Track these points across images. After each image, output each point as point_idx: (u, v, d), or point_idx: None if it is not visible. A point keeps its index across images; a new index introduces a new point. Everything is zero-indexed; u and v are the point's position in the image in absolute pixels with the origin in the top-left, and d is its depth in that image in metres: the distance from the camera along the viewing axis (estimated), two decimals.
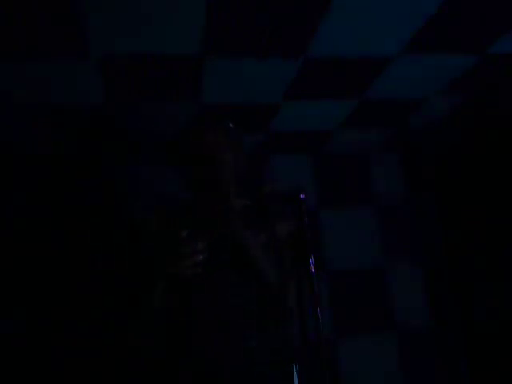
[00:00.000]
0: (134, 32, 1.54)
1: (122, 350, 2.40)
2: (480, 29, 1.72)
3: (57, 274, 2.44)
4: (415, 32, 1.69)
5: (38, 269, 2.42)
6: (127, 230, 2.45)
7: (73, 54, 1.62)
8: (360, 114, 2.41)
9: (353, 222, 2.92)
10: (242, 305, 1.34)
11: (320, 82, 2.01)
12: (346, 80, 2.02)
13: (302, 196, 1.03)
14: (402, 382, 2.73)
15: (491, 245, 2.51)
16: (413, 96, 2.25)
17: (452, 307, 2.82)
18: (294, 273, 1.18)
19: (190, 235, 1.15)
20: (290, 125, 2.46)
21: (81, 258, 2.48)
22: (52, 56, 1.63)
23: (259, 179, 2.76)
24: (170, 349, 1.36)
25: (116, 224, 2.55)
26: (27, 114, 2.05)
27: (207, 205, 1.43)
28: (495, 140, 2.46)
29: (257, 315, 1.36)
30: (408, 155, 3.07)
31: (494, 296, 2.48)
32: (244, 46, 1.68)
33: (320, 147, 2.88)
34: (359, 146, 2.97)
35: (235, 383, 1.27)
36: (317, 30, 1.62)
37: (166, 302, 1.32)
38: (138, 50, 1.65)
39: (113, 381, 2.35)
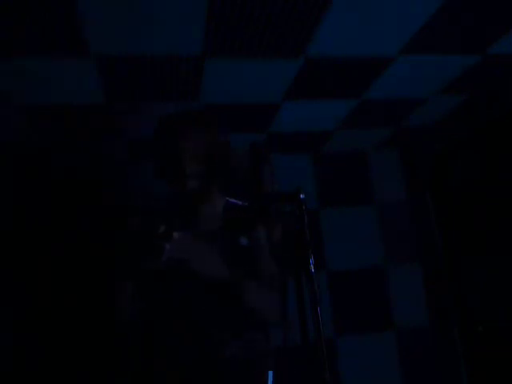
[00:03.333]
0: (134, 32, 1.54)
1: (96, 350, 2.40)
2: (480, 29, 1.72)
3: (55, 273, 2.44)
4: (415, 32, 1.69)
5: (37, 267, 2.42)
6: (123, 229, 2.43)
7: (73, 53, 1.62)
8: (360, 114, 2.41)
9: (353, 221, 2.92)
10: (218, 310, 1.29)
11: (320, 81, 2.01)
12: (345, 80, 2.02)
13: (301, 196, 1.03)
14: (401, 382, 2.73)
15: (490, 244, 2.51)
16: (413, 96, 2.25)
17: (451, 307, 2.82)
18: (287, 275, 1.13)
19: (167, 230, 1.10)
20: (290, 125, 2.46)
21: (80, 258, 2.48)
22: (52, 56, 1.62)
23: (259, 179, 2.75)
24: (145, 350, 1.30)
25: (116, 224, 2.55)
26: (27, 114, 2.05)
27: (186, 202, 1.38)
28: (495, 139, 2.46)
29: (232, 321, 1.30)
30: (408, 155, 3.07)
31: (493, 296, 2.48)
32: (244, 46, 1.68)
33: (320, 147, 2.88)
34: (359, 146, 2.97)
35: None
36: (317, 30, 1.62)
37: (139, 303, 1.26)
38: (138, 50, 1.65)
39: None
